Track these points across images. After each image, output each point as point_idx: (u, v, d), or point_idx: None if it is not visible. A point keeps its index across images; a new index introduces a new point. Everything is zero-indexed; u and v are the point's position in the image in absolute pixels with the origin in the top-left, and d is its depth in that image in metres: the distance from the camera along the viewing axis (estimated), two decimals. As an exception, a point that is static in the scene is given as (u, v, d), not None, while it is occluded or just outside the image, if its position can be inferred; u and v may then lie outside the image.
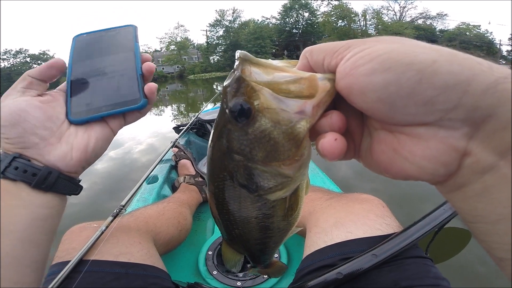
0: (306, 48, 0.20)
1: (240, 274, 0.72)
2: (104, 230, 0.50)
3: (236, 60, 0.19)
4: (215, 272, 0.72)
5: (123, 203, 0.61)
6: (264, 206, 0.22)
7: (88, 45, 0.38)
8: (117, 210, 0.58)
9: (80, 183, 0.35)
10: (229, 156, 0.20)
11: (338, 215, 0.52)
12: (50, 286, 0.39)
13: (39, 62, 42.26)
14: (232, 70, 0.19)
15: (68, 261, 0.43)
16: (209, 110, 1.92)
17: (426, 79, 0.14)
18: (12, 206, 0.28)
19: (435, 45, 0.15)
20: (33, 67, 0.34)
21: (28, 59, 40.79)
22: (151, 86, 0.36)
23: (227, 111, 0.19)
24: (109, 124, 0.35)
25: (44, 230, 0.30)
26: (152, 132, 4.36)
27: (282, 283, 0.71)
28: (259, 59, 0.19)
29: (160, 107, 8.49)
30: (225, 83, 0.19)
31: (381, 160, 0.18)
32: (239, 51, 0.19)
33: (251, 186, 0.21)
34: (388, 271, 0.41)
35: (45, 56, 43.17)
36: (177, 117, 6.12)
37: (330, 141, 0.17)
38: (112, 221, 0.54)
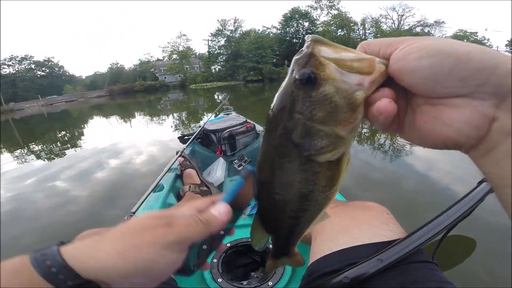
0: (363, 42, 0.24)
1: (245, 282, 0.73)
2: None
3: (306, 42, 0.23)
4: (219, 280, 0.73)
5: (133, 210, 0.64)
6: (309, 171, 0.25)
7: None
8: (128, 217, 0.61)
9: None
10: (289, 116, 0.23)
11: (344, 223, 0.52)
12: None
13: (43, 69, 42.84)
14: (302, 48, 0.23)
15: None
16: (214, 120, 1.95)
17: (462, 64, 0.18)
18: None
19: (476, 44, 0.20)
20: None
21: (33, 66, 41.24)
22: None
23: (295, 78, 0.22)
24: None
25: None
26: (152, 140, 4.40)
27: None
28: (327, 40, 0.22)
29: (161, 116, 8.56)
30: (295, 57, 0.23)
31: (423, 128, 0.22)
32: (310, 35, 0.23)
33: (304, 145, 0.23)
34: (394, 276, 0.41)
35: (49, 63, 43.73)
36: (179, 126, 6.15)
37: (386, 102, 0.21)
38: None
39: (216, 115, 2.28)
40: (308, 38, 0.23)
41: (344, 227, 0.51)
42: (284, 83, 0.24)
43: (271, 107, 0.25)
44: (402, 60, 0.20)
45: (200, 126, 1.80)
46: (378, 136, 3.75)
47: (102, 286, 0.24)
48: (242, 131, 1.74)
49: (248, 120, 1.88)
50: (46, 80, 42.58)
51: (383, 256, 0.42)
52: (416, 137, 0.23)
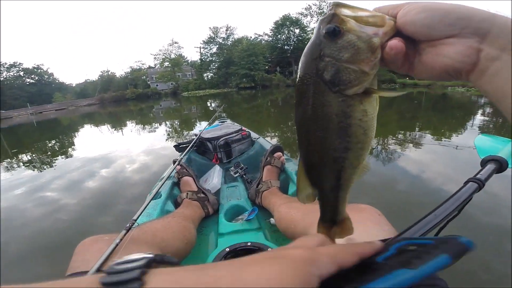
0: (376, 7, 0.31)
1: None
2: (118, 242, 0.54)
3: (329, 6, 0.29)
4: None
5: (135, 217, 0.65)
6: (344, 104, 0.29)
7: None
8: (130, 224, 0.62)
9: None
10: (321, 60, 0.28)
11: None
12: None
13: (32, 76, 42.07)
14: (326, 11, 0.29)
15: (84, 271, 0.46)
16: (209, 128, 1.95)
17: (449, 14, 0.25)
18: None
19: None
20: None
21: (21, 73, 40.43)
22: None
23: (322, 32, 0.28)
24: None
25: None
26: (145, 149, 4.36)
27: None
28: (347, 3, 0.28)
29: (154, 124, 8.50)
30: (321, 19, 0.29)
31: (429, 63, 0.28)
32: (332, 1, 0.29)
33: (335, 80, 0.28)
34: None
35: (39, 70, 42.97)
36: (171, 134, 6.12)
37: (395, 41, 0.28)
38: (125, 234, 0.57)
39: (211, 124, 2.30)
40: (330, 3, 0.29)
41: None
42: (311, 41, 0.29)
43: (302, 58, 0.30)
44: (405, 15, 0.27)
45: (195, 135, 1.81)
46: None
47: None
48: (238, 138, 1.76)
49: (243, 128, 1.89)
50: (35, 88, 41.78)
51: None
52: (424, 71, 0.29)
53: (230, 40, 37.38)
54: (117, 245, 0.53)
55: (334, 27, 0.27)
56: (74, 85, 56.94)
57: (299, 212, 0.75)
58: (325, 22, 0.28)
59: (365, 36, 0.27)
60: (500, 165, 0.89)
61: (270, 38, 36.93)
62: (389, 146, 3.50)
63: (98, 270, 0.46)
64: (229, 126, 1.95)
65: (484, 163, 0.92)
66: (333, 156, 0.30)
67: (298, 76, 0.30)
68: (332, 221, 0.37)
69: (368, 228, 0.52)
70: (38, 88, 42.00)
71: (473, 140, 1.19)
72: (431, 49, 0.28)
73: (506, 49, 0.24)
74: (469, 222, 1.58)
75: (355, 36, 0.27)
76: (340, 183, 0.32)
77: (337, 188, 0.33)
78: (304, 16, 35.64)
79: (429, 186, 2.18)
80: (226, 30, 37.67)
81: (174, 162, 1.30)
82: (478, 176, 0.80)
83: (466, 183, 0.77)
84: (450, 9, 0.26)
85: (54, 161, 4.42)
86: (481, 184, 0.76)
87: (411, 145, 3.50)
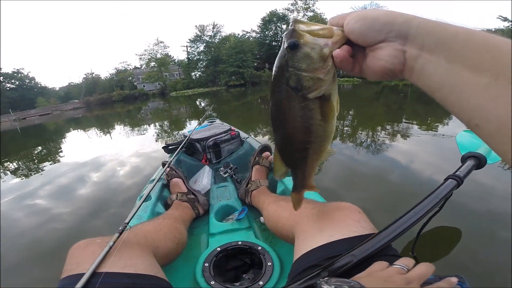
0: (330, 17, 0.35)
1: (237, 284, 0.76)
2: (112, 245, 0.55)
3: (290, 22, 0.34)
4: (212, 283, 0.76)
5: (126, 220, 0.67)
6: (306, 107, 0.35)
7: None
8: (122, 227, 0.64)
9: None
10: (286, 69, 0.34)
11: (321, 222, 0.59)
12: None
13: (12, 81, 40.57)
14: (288, 27, 0.34)
15: (78, 274, 0.48)
16: (198, 129, 1.95)
17: (376, 22, 0.29)
18: None
19: (388, 10, 0.31)
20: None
21: (1, 78, 38.86)
22: None
23: (285, 46, 0.33)
24: None
25: None
26: (135, 151, 4.30)
27: None
28: (304, 20, 0.34)
29: (142, 126, 8.39)
30: (284, 33, 0.34)
31: (371, 66, 0.32)
32: (292, 17, 0.35)
33: (297, 87, 0.34)
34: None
35: (19, 74, 41.46)
36: (161, 135, 6.06)
37: (338, 50, 0.32)
38: (118, 237, 0.59)
39: (201, 124, 2.29)
40: (291, 19, 0.34)
41: (321, 226, 0.58)
42: (279, 53, 0.35)
43: (274, 68, 0.36)
44: (347, 25, 0.32)
45: (184, 135, 1.80)
46: (360, 133, 3.91)
47: None
48: (227, 139, 1.77)
49: (232, 128, 1.90)
50: (16, 93, 40.36)
51: (356, 252, 0.48)
52: (370, 73, 0.33)
53: (218, 37, 37.05)
54: (111, 247, 0.54)
55: (294, 41, 0.33)
56: (57, 88, 55.44)
57: (286, 211, 0.78)
58: (287, 36, 0.33)
59: (317, 47, 0.32)
60: (479, 162, 0.94)
61: (258, 34, 36.85)
62: (378, 138, 3.57)
63: (93, 272, 0.48)
64: (218, 126, 1.95)
65: (464, 159, 0.97)
66: (299, 146, 0.39)
67: (272, 83, 0.36)
68: (301, 188, 0.48)
69: (348, 225, 0.56)
70: (19, 93, 40.58)
71: (459, 130, 1.23)
72: (372, 53, 0.32)
73: (424, 47, 0.26)
74: (456, 210, 1.59)
75: (309, 48, 0.32)
76: (307, 164, 0.42)
77: (305, 168, 0.43)
78: (291, 12, 35.65)
79: (418, 176, 2.21)
80: (213, 28, 37.28)
81: (163, 164, 1.31)
82: (457, 173, 0.85)
83: (446, 180, 0.81)
84: (376, 16, 0.29)
85: (41, 167, 4.33)
86: (459, 180, 0.80)
87: (399, 135, 3.58)
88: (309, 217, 0.63)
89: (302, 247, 0.57)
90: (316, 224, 0.59)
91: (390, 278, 0.38)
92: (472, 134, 1.19)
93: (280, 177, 0.46)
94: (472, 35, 0.23)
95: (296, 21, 0.34)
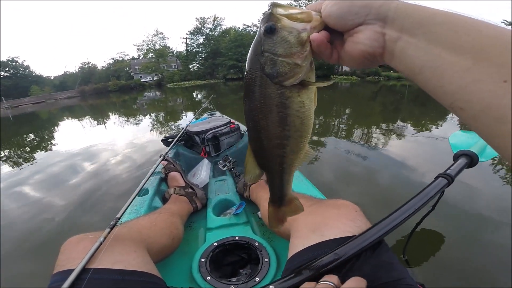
0: (308, 4, 0.34)
1: (233, 279, 0.75)
2: (103, 241, 0.53)
3: (268, 6, 0.32)
4: (208, 278, 0.74)
5: (118, 215, 0.63)
6: (283, 95, 0.32)
7: None
8: (114, 222, 0.60)
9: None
10: (261, 55, 0.32)
11: (315, 220, 0.57)
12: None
13: (7, 69, 39.86)
14: (266, 11, 0.32)
15: (69, 270, 0.46)
16: (197, 122, 1.92)
17: (354, 5, 0.28)
18: None
19: None
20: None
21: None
22: None
23: (262, 30, 0.31)
24: None
25: None
26: (128, 143, 4.24)
27: None
28: (282, 4, 0.32)
29: (138, 116, 8.29)
30: (262, 17, 0.32)
31: (349, 51, 0.30)
32: (271, 0, 0.32)
33: (273, 73, 0.31)
34: (358, 270, 0.46)
35: (14, 63, 40.78)
36: (156, 126, 5.98)
37: (315, 34, 0.31)
38: (109, 232, 0.56)
39: (197, 118, 2.24)
40: (269, 3, 0.32)
41: (315, 224, 0.56)
42: (255, 38, 0.32)
43: (248, 54, 0.33)
44: (324, 10, 0.30)
45: (182, 128, 1.77)
46: (355, 131, 3.90)
47: None
48: (226, 131, 1.73)
49: (232, 121, 1.87)
50: (10, 81, 39.67)
51: (340, 251, 0.47)
52: (348, 59, 0.31)
53: (218, 30, 36.76)
54: (101, 243, 0.52)
55: (271, 25, 0.31)
56: (52, 77, 54.50)
57: None
58: (264, 21, 0.31)
59: (295, 31, 0.31)
60: (471, 160, 0.91)
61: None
62: (372, 136, 3.57)
63: (83, 268, 0.47)
64: (217, 119, 1.93)
65: (456, 157, 0.94)
66: (276, 142, 0.35)
67: (245, 70, 0.33)
68: (280, 201, 0.43)
69: (342, 224, 0.54)
70: (13, 81, 39.88)
71: (452, 132, 1.22)
72: (350, 38, 0.30)
73: (403, 29, 0.25)
74: (441, 214, 1.60)
75: (287, 32, 0.31)
76: (284, 166, 0.37)
77: (282, 171, 0.38)
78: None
79: (411, 175, 2.23)
80: (214, 20, 36.92)
81: (161, 157, 1.27)
82: (448, 171, 0.81)
83: (436, 178, 0.78)
84: (356, 1, 0.28)
85: (33, 155, 4.24)
86: (450, 179, 0.77)
87: (394, 135, 3.59)
88: (305, 215, 0.61)
89: (296, 245, 0.55)
90: (310, 222, 0.57)
91: None
92: (467, 133, 1.18)
93: (252, 181, 0.40)
94: (450, 17, 0.23)
95: (274, 4, 0.31)
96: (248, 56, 0.33)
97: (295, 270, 0.49)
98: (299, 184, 1.11)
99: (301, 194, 0.78)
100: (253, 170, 0.39)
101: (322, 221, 0.56)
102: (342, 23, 0.29)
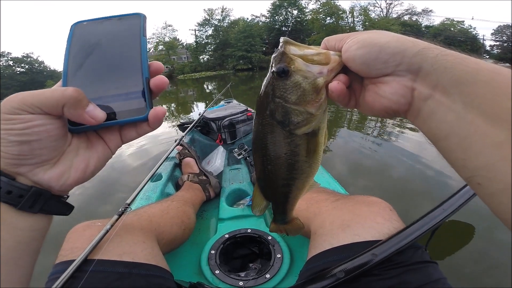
0: (325, 38, 0.30)
1: (242, 274, 0.71)
2: (109, 229, 0.48)
3: (280, 42, 0.29)
4: (217, 272, 0.71)
5: (128, 201, 0.58)
6: (292, 143, 0.30)
7: (88, 36, 0.30)
8: (123, 209, 0.56)
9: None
10: (272, 100, 0.29)
11: (345, 217, 0.51)
12: (54, 286, 0.38)
13: (22, 65, 41.11)
14: (277, 48, 0.29)
15: (72, 260, 0.42)
16: (214, 108, 1.91)
17: (383, 51, 0.24)
18: None
19: (398, 34, 0.25)
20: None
21: (10, 63, 39.46)
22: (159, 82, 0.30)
23: (273, 72, 0.28)
24: (108, 143, 0.30)
25: (28, 252, 0.26)
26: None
27: (284, 283, 0.69)
28: (296, 42, 0.29)
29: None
30: (273, 56, 0.29)
31: (370, 101, 0.27)
32: (282, 37, 0.29)
33: (285, 121, 0.29)
34: (390, 277, 0.41)
35: (28, 59, 41.97)
36: (168, 117, 5.98)
37: (335, 83, 0.27)
38: (117, 219, 0.51)
39: (213, 105, 2.22)
40: (281, 39, 0.29)
41: (345, 222, 0.50)
42: (266, 78, 0.30)
43: (259, 94, 0.30)
44: (347, 51, 0.26)
45: (199, 114, 1.75)
46: (367, 123, 3.76)
47: None
48: (243, 119, 1.71)
49: (249, 109, 1.84)
50: (26, 76, 40.84)
51: (377, 250, 0.42)
52: (366, 109, 0.29)
53: (226, 21, 36.58)
54: (107, 231, 0.48)
55: (283, 67, 0.27)
56: (66, 70, 55.85)
57: (303, 200, 0.70)
58: (276, 60, 0.28)
59: (311, 76, 0.28)
60: None
61: (267, 19, 36.23)
62: (386, 129, 3.43)
63: (86, 259, 0.43)
64: (234, 107, 1.91)
65: None
66: (282, 183, 0.34)
67: (255, 111, 0.32)
68: (282, 223, 0.44)
69: (378, 224, 0.48)
70: (29, 76, 41.02)
71: None
72: (372, 86, 0.27)
73: (438, 86, 0.22)
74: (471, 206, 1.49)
75: (301, 76, 0.28)
76: (289, 200, 0.38)
77: (286, 202, 0.38)
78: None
79: (426, 170, 2.08)
80: (222, 11, 36.66)
81: (176, 141, 1.23)
82: None
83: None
84: (385, 44, 0.24)
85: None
86: None
87: (408, 127, 3.41)
88: (329, 211, 0.57)
89: (320, 243, 0.50)
90: (338, 220, 0.52)
91: None
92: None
93: (259, 213, 0.41)
94: (496, 75, 0.19)
95: (286, 41, 0.28)
96: (258, 99, 0.30)
97: (323, 272, 0.44)
98: (320, 178, 1.04)
99: (323, 189, 0.73)
100: (261, 203, 0.39)
101: (353, 218, 0.50)
102: (366, 70, 0.26)
